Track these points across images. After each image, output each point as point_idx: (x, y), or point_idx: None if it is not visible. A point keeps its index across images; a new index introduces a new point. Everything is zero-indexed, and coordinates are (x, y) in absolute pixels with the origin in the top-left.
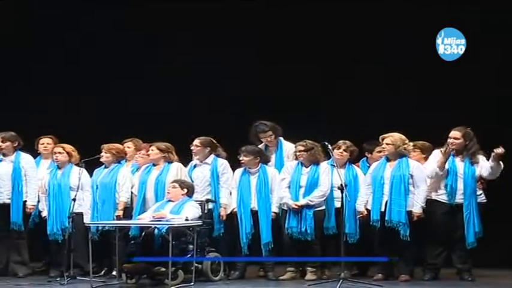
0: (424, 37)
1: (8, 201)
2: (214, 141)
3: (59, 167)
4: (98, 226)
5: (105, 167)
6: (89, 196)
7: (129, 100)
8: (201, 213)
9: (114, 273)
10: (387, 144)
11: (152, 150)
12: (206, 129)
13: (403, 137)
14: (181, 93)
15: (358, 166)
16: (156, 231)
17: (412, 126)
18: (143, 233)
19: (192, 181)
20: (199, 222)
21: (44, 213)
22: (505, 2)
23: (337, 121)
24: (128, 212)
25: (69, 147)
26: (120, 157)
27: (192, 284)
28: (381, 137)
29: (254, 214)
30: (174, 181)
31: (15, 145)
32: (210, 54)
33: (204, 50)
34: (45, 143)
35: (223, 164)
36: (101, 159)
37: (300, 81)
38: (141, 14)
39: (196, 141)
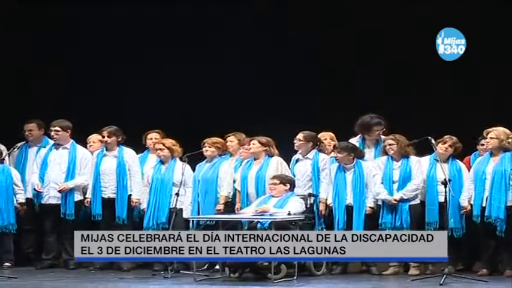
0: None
1: (112, 195)
2: (318, 136)
3: (162, 162)
4: (198, 220)
5: (207, 162)
6: (190, 192)
7: (230, 94)
8: (304, 208)
9: (217, 267)
10: (491, 138)
11: (253, 144)
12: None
13: (508, 131)
14: (283, 87)
15: (469, 159)
16: (258, 225)
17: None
18: (246, 227)
19: (294, 176)
20: (302, 217)
21: (143, 206)
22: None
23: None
24: (229, 207)
25: (170, 142)
26: (222, 151)
27: (294, 278)
28: (485, 131)
29: (350, 210)
30: (274, 177)
31: (119, 139)
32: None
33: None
34: (153, 137)
35: (324, 158)
36: (204, 154)
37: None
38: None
39: (300, 136)
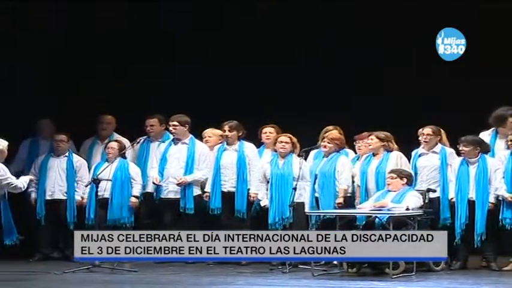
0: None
1: (232, 189)
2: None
3: (279, 157)
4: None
5: (324, 156)
6: (310, 186)
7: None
8: (422, 203)
9: (335, 262)
10: None
11: (372, 139)
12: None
13: None
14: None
15: None
16: (376, 220)
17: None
18: (364, 222)
19: (417, 170)
20: (420, 212)
21: (263, 203)
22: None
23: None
24: (349, 201)
25: (293, 137)
26: (340, 147)
27: (413, 273)
28: None
29: (472, 204)
30: (392, 171)
31: (240, 134)
32: None
33: None
34: (268, 132)
35: (452, 152)
36: (322, 149)
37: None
38: None
39: (429, 130)
